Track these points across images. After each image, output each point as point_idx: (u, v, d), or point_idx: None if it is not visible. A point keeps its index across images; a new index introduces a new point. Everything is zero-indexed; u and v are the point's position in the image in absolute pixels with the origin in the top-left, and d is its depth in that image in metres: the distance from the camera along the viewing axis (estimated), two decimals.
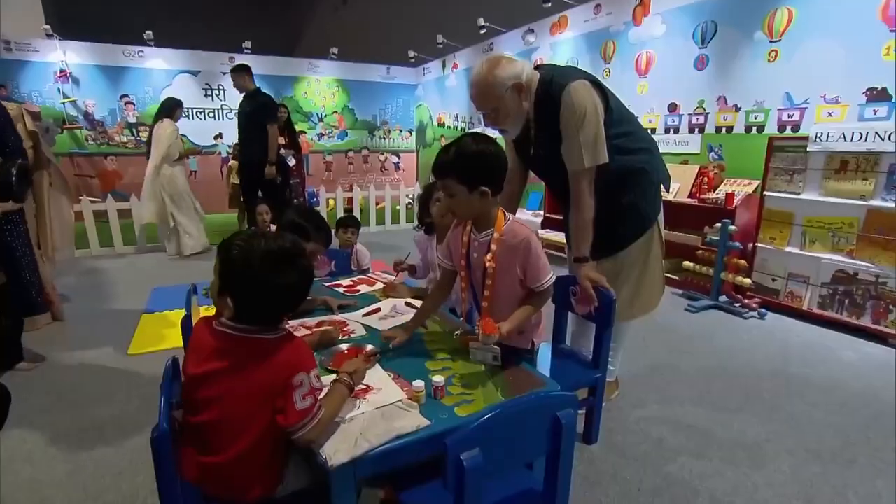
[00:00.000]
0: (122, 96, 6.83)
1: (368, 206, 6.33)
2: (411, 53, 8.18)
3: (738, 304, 3.31)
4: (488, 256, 1.38)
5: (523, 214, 5.33)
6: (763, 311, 3.23)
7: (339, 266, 2.38)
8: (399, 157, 9.58)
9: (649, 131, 4.56)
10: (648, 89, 4.63)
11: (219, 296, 1.02)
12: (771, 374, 2.45)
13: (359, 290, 2.09)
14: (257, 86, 4.62)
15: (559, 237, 4.40)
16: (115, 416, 2.06)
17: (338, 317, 1.76)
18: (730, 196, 3.49)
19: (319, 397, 1.02)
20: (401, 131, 9.52)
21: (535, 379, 1.30)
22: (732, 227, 3.27)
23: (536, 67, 1.75)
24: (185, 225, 4.85)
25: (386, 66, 8.97)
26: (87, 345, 2.75)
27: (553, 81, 1.65)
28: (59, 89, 6.36)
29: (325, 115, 8.66)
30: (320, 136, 8.70)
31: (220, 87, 7.61)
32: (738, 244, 3.27)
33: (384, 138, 9.38)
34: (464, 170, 1.31)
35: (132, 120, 6.92)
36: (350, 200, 6.28)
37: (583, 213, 1.71)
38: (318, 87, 8.51)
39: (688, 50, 4.20)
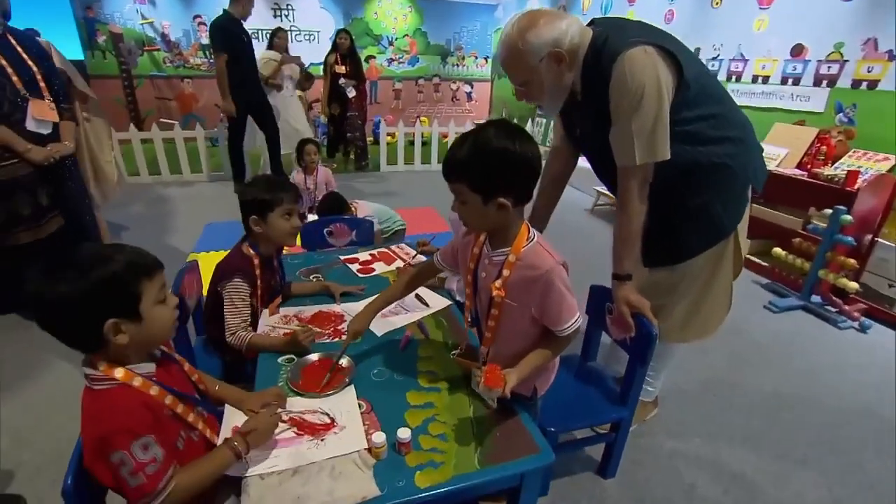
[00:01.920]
0: (195, 16, 6.81)
1: (432, 141, 6.01)
2: None
3: (834, 310, 2.75)
4: (497, 283, 1.11)
5: None
6: (867, 321, 2.65)
7: (359, 236, 2.20)
8: (472, 87, 8.97)
9: (760, 80, 3.76)
10: (769, 25, 3.69)
11: None
12: (859, 413, 2.01)
13: (374, 270, 1.93)
14: None
15: None
16: None
17: (338, 307, 1.62)
18: (853, 174, 2.78)
19: (152, 472, 0.81)
20: (476, 58, 8.81)
21: (527, 441, 1.07)
22: (847, 217, 2.61)
23: (591, 23, 1.32)
24: None
25: None
26: None
27: (606, 44, 1.23)
28: (137, 10, 6.45)
29: (396, 39, 8.17)
30: (390, 61, 8.28)
31: (289, 7, 7.33)
32: (850, 239, 2.62)
33: (458, 65, 8.76)
34: (479, 175, 1.01)
35: (205, 41, 6.92)
36: (412, 135, 5.97)
37: (629, 220, 1.35)
38: (390, 8, 7.95)
39: None
